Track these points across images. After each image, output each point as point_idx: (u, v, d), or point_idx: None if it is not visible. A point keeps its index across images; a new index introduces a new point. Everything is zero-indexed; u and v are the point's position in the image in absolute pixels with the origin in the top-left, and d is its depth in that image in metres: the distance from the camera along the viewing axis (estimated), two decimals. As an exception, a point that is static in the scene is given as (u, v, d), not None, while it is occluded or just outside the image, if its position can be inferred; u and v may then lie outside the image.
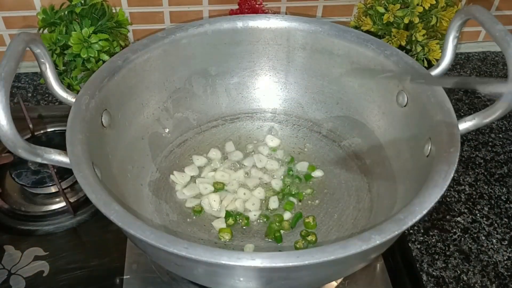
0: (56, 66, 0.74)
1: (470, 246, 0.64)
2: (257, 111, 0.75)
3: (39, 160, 0.48)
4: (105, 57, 0.75)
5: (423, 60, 0.80)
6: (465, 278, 0.60)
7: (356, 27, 0.83)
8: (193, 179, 0.67)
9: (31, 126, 0.73)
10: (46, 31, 0.76)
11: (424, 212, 0.45)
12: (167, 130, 0.70)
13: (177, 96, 0.70)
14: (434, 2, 0.76)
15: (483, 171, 0.73)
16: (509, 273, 0.61)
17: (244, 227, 0.62)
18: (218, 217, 0.63)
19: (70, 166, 0.49)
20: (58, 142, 0.72)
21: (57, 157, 0.49)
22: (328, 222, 0.62)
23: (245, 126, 0.74)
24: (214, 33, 0.68)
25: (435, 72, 0.61)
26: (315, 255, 0.41)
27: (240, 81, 0.74)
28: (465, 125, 0.54)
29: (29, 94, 0.84)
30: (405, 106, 0.62)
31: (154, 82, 0.67)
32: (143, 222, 0.44)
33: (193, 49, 0.68)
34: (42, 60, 0.54)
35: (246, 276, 0.46)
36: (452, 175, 0.48)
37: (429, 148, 0.54)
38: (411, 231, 0.65)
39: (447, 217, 0.67)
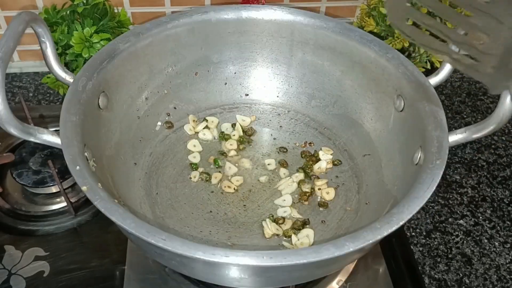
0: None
1: (472, 249, 0.63)
2: (256, 102, 0.75)
3: (32, 139, 0.48)
4: (106, 57, 0.74)
5: (426, 62, 0.80)
6: (467, 281, 0.60)
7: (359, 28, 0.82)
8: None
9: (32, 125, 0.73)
10: (48, 30, 0.76)
11: (401, 223, 0.45)
12: (164, 115, 0.70)
13: (177, 82, 0.70)
14: (438, 3, 0.76)
15: (485, 174, 0.73)
16: (511, 276, 0.61)
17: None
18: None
19: (61, 147, 0.49)
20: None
21: (49, 138, 0.49)
22: (314, 219, 0.62)
23: (243, 116, 0.73)
24: (219, 21, 0.68)
25: (434, 80, 0.60)
26: (288, 257, 0.41)
27: (242, 70, 0.73)
28: (455, 137, 0.53)
29: (31, 94, 0.83)
30: (401, 111, 0.61)
31: (155, 67, 0.67)
32: (126, 210, 0.44)
33: (196, 35, 0.68)
34: (43, 39, 0.54)
35: (227, 270, 0.46)
36: (434, 188, 0.48)
37: (419, 156, 0.54)
38: (413, 233, 0.65)
39: (450, 219, 0.67)
